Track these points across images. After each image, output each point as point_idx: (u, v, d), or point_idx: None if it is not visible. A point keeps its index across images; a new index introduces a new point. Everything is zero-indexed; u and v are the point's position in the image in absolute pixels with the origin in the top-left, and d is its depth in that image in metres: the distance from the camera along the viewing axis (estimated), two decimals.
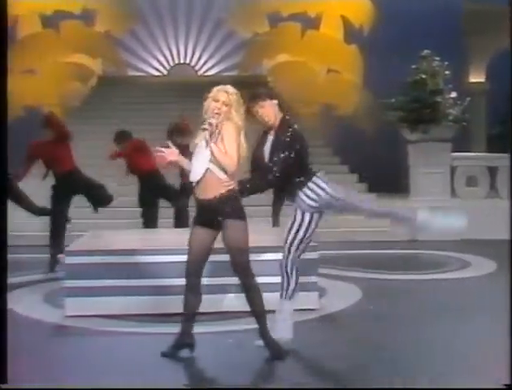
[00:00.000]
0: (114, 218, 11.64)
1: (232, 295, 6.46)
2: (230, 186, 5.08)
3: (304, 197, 5.42)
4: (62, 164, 9.21)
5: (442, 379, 4.72)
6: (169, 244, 7.18)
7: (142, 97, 18.08)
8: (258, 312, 5.23)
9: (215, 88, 5.20)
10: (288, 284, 5.49)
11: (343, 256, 10.02)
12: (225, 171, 5.07)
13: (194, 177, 5.14)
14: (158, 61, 21.40)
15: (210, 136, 5.07)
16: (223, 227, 5.10)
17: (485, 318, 6.36)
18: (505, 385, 4.35)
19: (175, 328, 5.35)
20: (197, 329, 5.35)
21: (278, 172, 5.34)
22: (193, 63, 21.60)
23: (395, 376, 4.78)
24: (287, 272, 5.48)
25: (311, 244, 6.62)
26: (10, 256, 9.22)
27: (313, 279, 6.66)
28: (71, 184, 9.24)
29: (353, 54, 19.21)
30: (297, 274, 5.50)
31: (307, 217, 5.45)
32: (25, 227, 11.58)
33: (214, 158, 5.05)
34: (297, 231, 5.46)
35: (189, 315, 5.28)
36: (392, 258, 10.11)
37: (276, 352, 5.19)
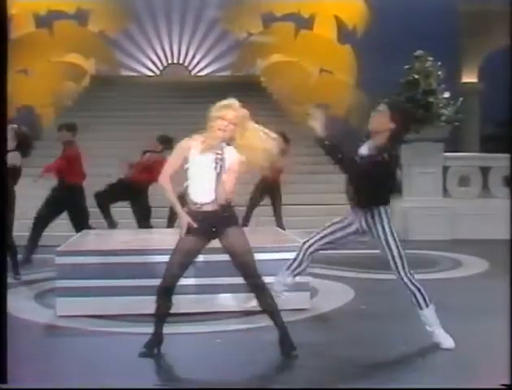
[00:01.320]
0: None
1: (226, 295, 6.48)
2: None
3: (369, 220, 5.54)
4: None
5: (433, 378, 4.71)
6: (160, 244, 7.15)
7: (135, 96, 18.03)
8: (270, 310, 5.22)
9: (220, 105, 5.00)
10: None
11: (334, 256, 10.00)
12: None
13: (202, 199, 5.05)
14: (152, 61, 21.39)
15: (217, 160, 4.98)
16: (226, 234, 5.07)
17: (476, 318, 6.35)
18: (504, 385, 4.32)
19: (166, 328, 5.33)
20: (188, 329, 5.33)
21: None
22: (186, 63, 21.60)
23: (388, 375, 4.79)
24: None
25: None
26: None
27: (304, 279, 6.63)
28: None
29: (347, 55, 19.21)
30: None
31: (352, 228, 5.59)
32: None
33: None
34: (332, 225, 5.67)
35: (164, 316, 5.25)
36: (384, 258, 10.07)
37: (288, 349, 5.15)
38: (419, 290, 5.44)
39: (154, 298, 6.04)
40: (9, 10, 18.74)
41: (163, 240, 7.80)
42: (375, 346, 5.55)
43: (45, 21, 19.09)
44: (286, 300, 5.66)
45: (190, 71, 21.56)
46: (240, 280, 5.34)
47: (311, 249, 5.69)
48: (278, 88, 19.54)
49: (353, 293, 7.56)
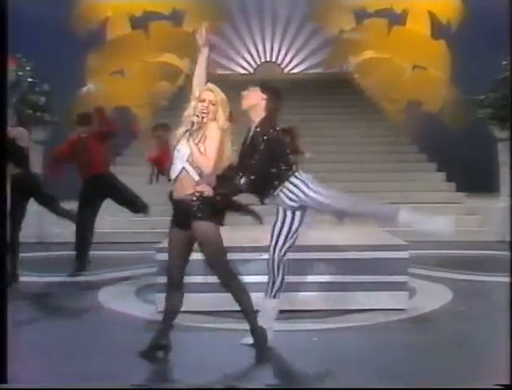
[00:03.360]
0: None
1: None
2: (202, 188, 5.02)
3: (283, 198, 5.42)
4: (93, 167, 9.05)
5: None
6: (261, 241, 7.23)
7: (229, 95, 18.17)
8: (244, 310, 5.26)
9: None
10: (274, 283, 5.48)
11: (432, 256, 9.90)
12: (200, 172, 5.04)
13: (172, 174, 5.14)
14: (245, 59, 21.54)
15: (191, 134, 5.07)
16: (193, 228, 5.07)
17: None
18: (502, 385, 4.24)
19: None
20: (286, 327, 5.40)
21: (252, 176, 5.31)
22: (279, 61, 21.67)
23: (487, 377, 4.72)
24: (273, 271, 5.45)
25: (402, 243, 6.63)
26: (99, 253, 9.52)
27: (403, 278, 6.61)
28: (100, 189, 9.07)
29: (441, 50, 18.87)
30: (283, 273, 5.47)
31: (289, 214, 5.45)
32: (112, 224, 11.93)
33: (191, 158, 5.04)
34: (280, 229, 5.47)
35: (169, 314, 5.30)
36: (483, 259, 9.92)
37: (259, 353, 5.19)
38: (282, 279, 5.40)
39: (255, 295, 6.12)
40: (105, 12, 19.28)
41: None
42: (474, 348, 5.48)
43: (140, 22, 19.46)
44: (385, 299, 5.65)
45: (283, 69, 21.64)
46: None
47: (280, 257, 5.51)
48: (370, 85, 19.40)
49: (452, 294, 7.46)
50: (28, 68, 13.57)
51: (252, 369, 5.07)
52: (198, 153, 5.01)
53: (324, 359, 5.26)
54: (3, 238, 5.28)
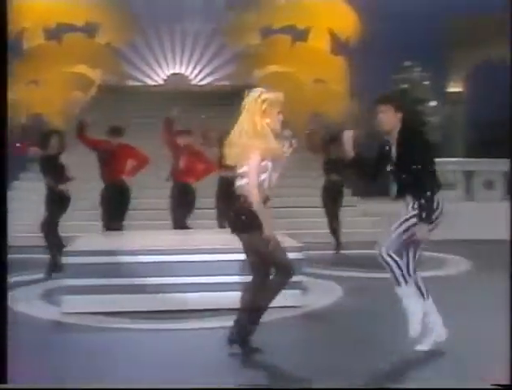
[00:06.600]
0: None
1: None
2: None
3: None
4: None
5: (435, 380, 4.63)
6: (165, 245, 7.21)
7: (139, 105, 18.05)
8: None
9: (272, 96, 5.04)
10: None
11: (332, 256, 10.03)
12: None
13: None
14: (155, 71, 21.45)
15: None
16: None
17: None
18: (502, 385, 4.17)
19: (166, 325, 5.37)
20: None
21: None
22: (188, 73, 21.65)
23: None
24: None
25: (297, 245, 6.67)
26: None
27: (297, 278, 6.66)
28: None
29: (340, 65, 19.24)
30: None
31: None
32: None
33: None
34: None
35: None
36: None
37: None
38: (397, 264, 5.16)
39: (155, 296, 6.03)
40: (20, 23, 18.79)
41: (170, 241, 7.84)
42: (360, 341, 5.56)
43: (54, 33, 19.09)
44: (279, 298, 5.61)
45: (192, 81, 21.62)
46: None
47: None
48: None
49: (342, 291, 7.57)
50: None
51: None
52: None
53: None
54: (3, 238, 5.10)
